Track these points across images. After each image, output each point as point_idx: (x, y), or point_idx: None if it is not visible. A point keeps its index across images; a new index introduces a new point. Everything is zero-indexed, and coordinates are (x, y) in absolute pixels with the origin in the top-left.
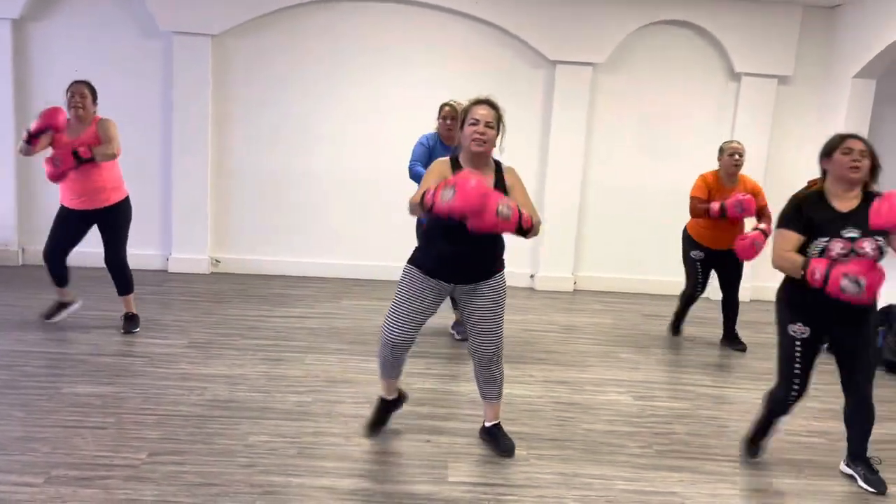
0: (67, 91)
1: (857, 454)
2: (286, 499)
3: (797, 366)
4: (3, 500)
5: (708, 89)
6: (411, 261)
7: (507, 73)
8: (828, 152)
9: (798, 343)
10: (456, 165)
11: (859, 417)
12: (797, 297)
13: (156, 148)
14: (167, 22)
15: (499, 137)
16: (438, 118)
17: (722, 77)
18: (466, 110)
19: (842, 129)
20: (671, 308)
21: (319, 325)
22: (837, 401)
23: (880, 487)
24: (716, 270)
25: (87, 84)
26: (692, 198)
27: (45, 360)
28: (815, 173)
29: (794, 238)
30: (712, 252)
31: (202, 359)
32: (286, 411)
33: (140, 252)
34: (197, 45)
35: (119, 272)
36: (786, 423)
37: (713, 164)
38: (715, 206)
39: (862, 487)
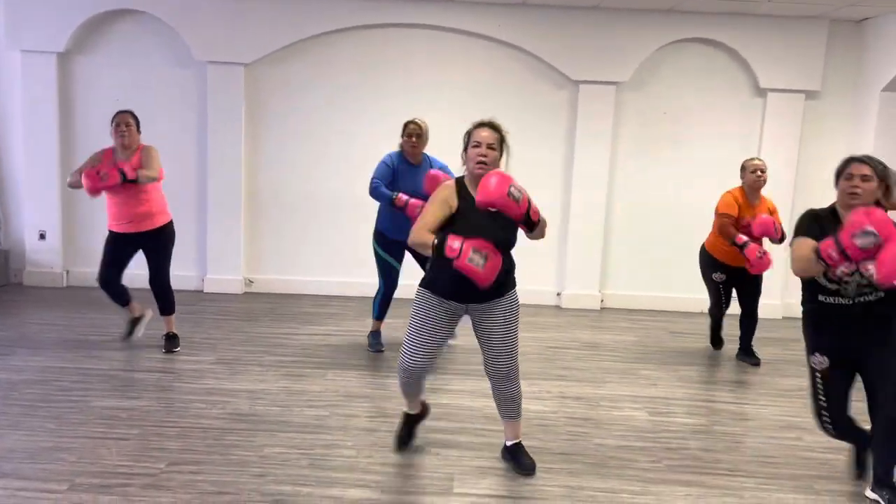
0: (113, 120)
1: (883, 480)
2: None
3: (822, 398)
4: None
5: (733, 106)
6: (424, 284)
7: (530, 95)
8: (837, 175)
9: (818, 374)
10: (462, 188)
11: (886, 439)
12: (814, 324)
13: (191, 172)
14: (201, 52)
15: (502, 158)
16: (403, 136)
17: (747, 93)
18: (469, 133)
19: (871, 143)
20: (699, 325)
21: (343, 342)
22: (857, 418)
23: None
24: (735, 287)
25: (132, 114)
26: (724, 215)
27: (79, 375)
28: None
29: (810, 243)
30: (732, 269)
31: (227, 374)
32: (303, 424)
33: (177, 273)
34: (230, 74)
35: (163, 293)
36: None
37: (736, 181)
38: (742, 238)
39: None
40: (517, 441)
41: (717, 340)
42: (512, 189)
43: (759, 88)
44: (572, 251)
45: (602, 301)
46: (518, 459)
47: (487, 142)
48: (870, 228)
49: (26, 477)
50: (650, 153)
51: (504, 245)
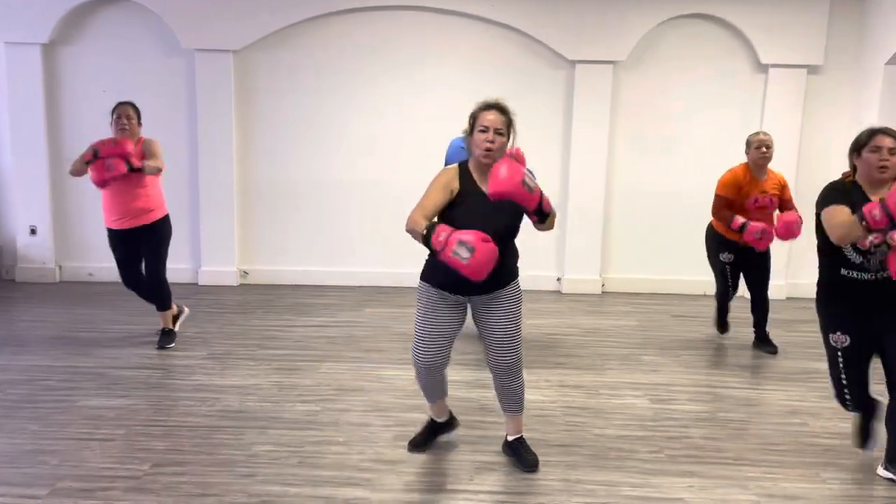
0: (113, 112)
1: None
2: None
3: (843, 377)
4: None
5: (733, 83)
6: (423, 277)
7: (526, 75)
8: (857, 148)
9: (840, 353)
10: (465, 173)
11: None
12: (833, 301)
13: (182, 163)
14: (189, 40)
15: (509, 142)
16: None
17: (748, 70)
18: (475, 115)
19: (875, 117)
20: (702, 308)
21: (339, 333)
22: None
23: None
24: (743, 271)
25: (133, 105)
26: (718, 196)
27: (66, 374)
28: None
29: (844, 209)
30: (741, 249)
31: (218, 370)
32: (293, 420)
33: (171, 266)
34: (219, 61)
35: (157, 288)
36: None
37: (741, 160)
38: (739, 220)
39: None
40: (519, 436)
41: (723, 325)
42: (526, 179)
43: (761, 64)
44: (572, 235)
45: (603, 285)
46: (520, 455)
47: (495, 126)
48: None
49: (6, 482)
50: (649, 133)
51: (507, 233)
